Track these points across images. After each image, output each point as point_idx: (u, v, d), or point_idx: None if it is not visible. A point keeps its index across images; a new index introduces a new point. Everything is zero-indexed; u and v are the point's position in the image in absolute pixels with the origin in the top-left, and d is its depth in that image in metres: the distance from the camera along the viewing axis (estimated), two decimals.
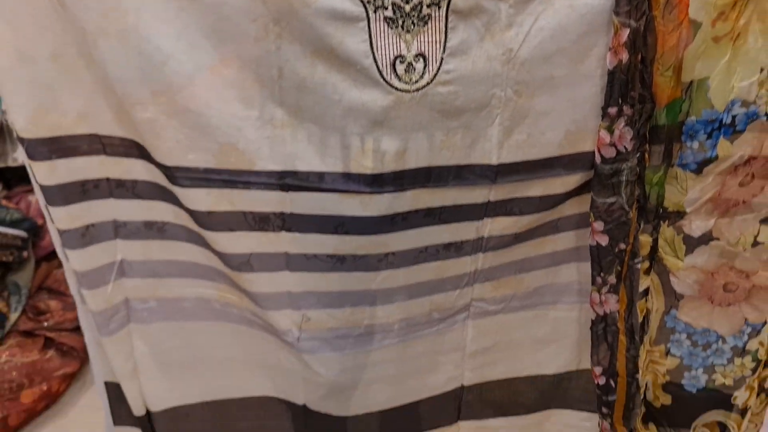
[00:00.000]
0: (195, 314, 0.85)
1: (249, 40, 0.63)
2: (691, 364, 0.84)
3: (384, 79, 0.65)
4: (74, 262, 0.76)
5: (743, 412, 0.85)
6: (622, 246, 0.79)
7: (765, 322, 0.78)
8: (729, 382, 0.83)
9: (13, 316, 1.46)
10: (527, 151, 0.74)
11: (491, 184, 0.75)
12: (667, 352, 0.84)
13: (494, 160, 0.73)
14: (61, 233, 0.74)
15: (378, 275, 0.79)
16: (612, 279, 0.81)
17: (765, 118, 0.69)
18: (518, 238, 0.82)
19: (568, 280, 0.90)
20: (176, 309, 0.85)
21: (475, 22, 0.66)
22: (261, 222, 0.74)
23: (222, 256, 0.76)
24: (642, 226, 0.78)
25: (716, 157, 0.72)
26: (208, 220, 0.74)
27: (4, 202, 1.53)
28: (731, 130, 0.70)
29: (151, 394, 0.89)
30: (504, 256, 0.84)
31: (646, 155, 0.73)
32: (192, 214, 0.74)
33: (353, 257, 0.76)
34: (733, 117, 0.70)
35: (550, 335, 0.95)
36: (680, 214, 0.76)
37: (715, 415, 0.86)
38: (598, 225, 0.78)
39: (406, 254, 0.78)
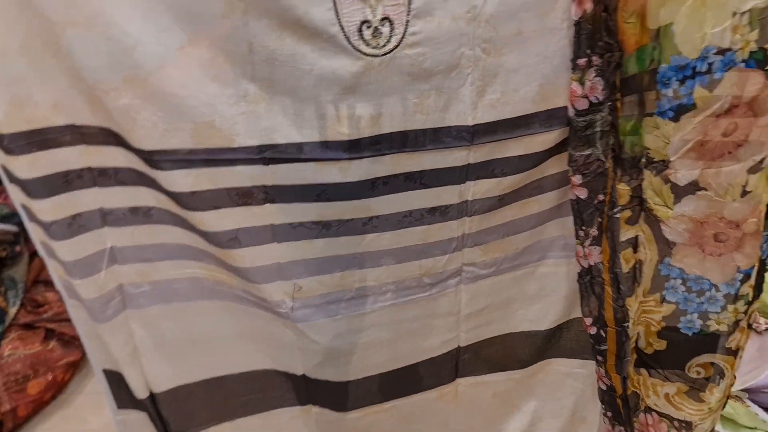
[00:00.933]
0: (188, 295, 0.86)
1: (216, 17, 0.64)
2: (686, 309, 0.84)
3: (352, 46, 0.66)
4: (62, 252, 0.77)
5: (735, 353, 0.87)
6: (601, 197, 0.80)
7: (753, 266, 0.79)
8: (723, 328, 0.84)
9: (12, 311, 1.48)
10: (502, 110, 0.74)
11: (469, 145, 0.76)
12: (663, 300, 0.85)
13: (470, 121, 0.74)
14: (47, 225, 0.75)
15: (363, 239, 0.80)
16: (594, 231, 0.82)
17: (743, 64, 0.69)
18: (503, 200, 0.83)
19: (554, 236, 0.91)
20: (170, 291, 0.86)
21: None
22: (245, 197, 0.75)
23: (209, 236, 0.77)
24: (619, 175, 0.78)
25: (693, 105, 0.71)
26: (192, 200, 0.74)
27: None
28: (708, 78, 0.70)
29: (152, 376, 0.91)
30: (490, 220, 0.85)
31: (618, 104, 0.74)
32: (175, 196, 0.75)
33: (338, 222, 0.77)
34: (709, 64, 0.69)
35: (540, 291, 0.96)
36: (665, 163, 0.76)
37: (708, 357, 0.88)
38: (577, 178, 0.79)
39: (390, 218, 0.79)
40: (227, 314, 0.87)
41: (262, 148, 0.71)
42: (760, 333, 1.37)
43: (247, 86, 0.68)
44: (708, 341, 0.86)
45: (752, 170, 0.73)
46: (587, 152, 0.77)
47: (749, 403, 1.26)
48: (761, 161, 0.72)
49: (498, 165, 0.78)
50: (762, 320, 1.38)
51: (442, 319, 0.92)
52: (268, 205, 0.75)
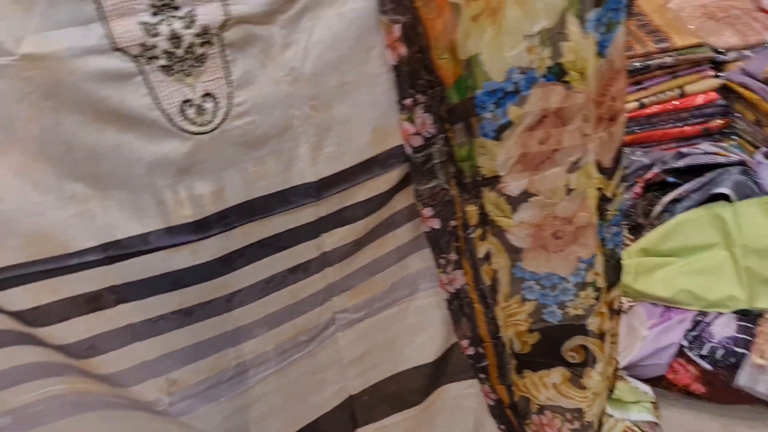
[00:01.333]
0: (53, 416, 0.79)
1: (22, 122, 0.60)
2: (546, 303, 0.91)
3: (177, 127, 0.64)
4: None
5: (601, 336, 0.93)
6: (453, 223, 0.83)
7: (594, 255, 0.86)
8: (580, 312, 0.90)
9: None
10: (341, 160, 0.75)
11: (317, 200, 0.76)
12: (523, 299, 0.90)
13: (313, 177, 0.75)
14: None
15: (231, 315, 0.78)
16: (453, 256, 0.85)
17: (544, 79, 0.75)
18: (360, 243, 0.84)
19: (419, 268, 0.93)
20: (31, 417, 0.78)
21: (251, 50, 0.66)
22: (93, 302, 0.70)
23: (62, 348, 0.72)
24: (465, 198, 0.82)
25: (510, 123, 0.77)
26: (36, 316, 0.69)
27: None
28: (517, 95, 0.76)
29: None
30: (352, 264, 0.85)
31: (450, 134, 0.77)
32: (17, 315, 0.69)
33: (199, 306, 0.75)
34: (515, 84, 0.75)
35: (419, 325, 0.98)
36: (497, 179, 0.81)
37: (579, 340, 0.93)
38: (427, 211, 0.82)
39: (253, 288, 0.78)
40: (102, 424, 0.81)
41: (103, 248, 0.67)
42: (625, 312, 1.47)
43: (74, 186, 0.64)
44: (572, 326, 0.92)
45: (571, 170, 0.79)
46: (432, 184, 0.80)
47: (629, 379, 1.35)
48: (577, 161, 0.79)
49: (349, 212, 0.79)
50: (625, 300, 1.48)
51: (326, 372, 0.91)
52: (121, 305, 0.71)
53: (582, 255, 0.85)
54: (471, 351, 0.93)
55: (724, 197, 1.50)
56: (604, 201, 0.85)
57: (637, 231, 1.60)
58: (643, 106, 1.79)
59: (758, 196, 1.51)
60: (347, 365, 0.93)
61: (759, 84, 1.77)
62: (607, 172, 0.83)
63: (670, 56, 1.79)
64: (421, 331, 0.98)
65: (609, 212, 0.86)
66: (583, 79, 0.75)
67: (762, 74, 1.77)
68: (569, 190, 0.81)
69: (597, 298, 0.88)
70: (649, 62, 1.78)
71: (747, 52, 1.91)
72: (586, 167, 0.80)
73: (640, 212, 1.61)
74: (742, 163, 1.60)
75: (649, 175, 1.64)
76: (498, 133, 0.78)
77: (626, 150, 1.74)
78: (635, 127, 1.81)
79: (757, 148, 1.78)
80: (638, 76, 1.79)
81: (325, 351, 0.89)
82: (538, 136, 0.78)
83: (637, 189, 1.65)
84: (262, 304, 0.80)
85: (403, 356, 0.98)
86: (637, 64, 1.77)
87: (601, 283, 0.87)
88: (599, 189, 0.84)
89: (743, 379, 0.59)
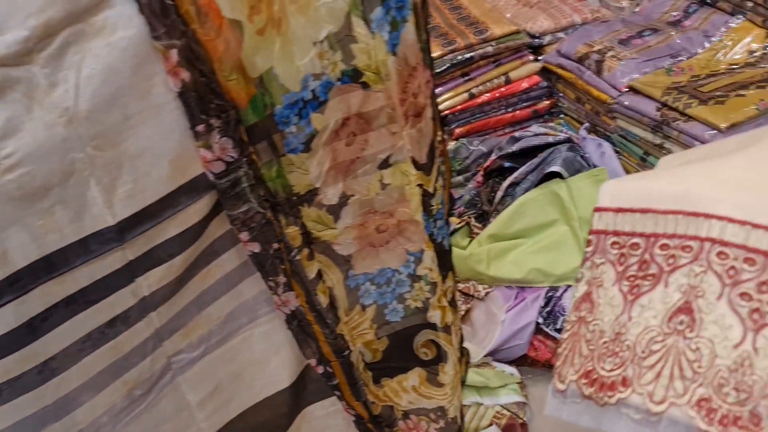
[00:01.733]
0: None
1: None
2: (385, 302, 0.90)
3: None
4: None
5: (447, 330, 0.94)
6: (276, 246, 0.80)
7: (422, 251, 0.86)
8: (419, 304, 0.91)
9: None
10: (141, 198, 0.70)
11: (121, 244, 0.71)
12: (363, 307, 0.89)
13: (111, 221, 0.69)
14: None
15: (47, 388, 0.71)
16: (282, 279, 0.83)
17: (340, 82, 0.75)
18: (182, 280, 0.79)
19: (254, 293, 0.89)
20: None
21: (13, 95, 0.60)
22: None
23: None
24: (284, 221, 0.80)
25: (315, 131, 0.76)
26: None
27: None
28: (316, 103, 0.75)
29: None
30: (178, 303, 0.80)
31: (254, 156, 0.75)
32: None
33: (6, 385, 0.67)
34: (313, 91, 0.74)
35: (267, 351, 0.94)
36: (314, 192, 0.80)
37: (427, 335, 0.94)
38: (245, 235, 0.79)
39: (67, 352, 0.71)
40: None
41: None
42: (483, 299, 1.51)
43: None
44: (417, 319, 0.92)
45: (382, 167, 0.80)
46: (244, 208, 0.77)
47: (495, 364, 1.38)
48: (387, 159, 0.80)
49: (161, 250, 0.74)
50: (480, 287, 1.52)
51: (174, 421, 0.85)
52: None
53: (409, 248, 0.86)
54: (320, 370, 0.91)
55: (558, 175, 1.57)
56: (426, 196, 0.85)
57: (484, 218, 1.65)
58: (473, 96, 1.86)
59: (587, 169, 1.60)
60: (196, 408, 0.88)
61: (574, 64, 1.88)
62: (424, 168, 0.84)
63: (491, 46, 1.86)
64: (273, 356, 0.94)
65: (433, 207, 0.87)
66: (380, 79, 0.75)
67: (575, 54, 1.88)
68: (384, 185, 0.81)
69: (432, 292, 0.88)
70: (473, 53, 1.84)
71: (561, 34, 2.03)
72: (401, 165, 0.81)
73: (485, 200, 1.66)
74: (569, 140, 1.69)
75: (487, 163, 1.69)
76: (306, 145, 0.76)
77: (464, 140, 1.80)
78: (469, 118, 1.87)
79: (582, 124, 1.89)
80: (464, 68, 1.86)
81: (166, 399, 0.83)
82: (344, 139, 0.77)
83: (479, 178, 1.70)
84: (82, 367, 0.73)
85: (255, 387, 0.94)
86: (461, 57, 1.83)
87: (434, 277, 0.88)
88: (420, 186, 0.84)
89: (551, 408, 0.60)
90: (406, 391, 0.96)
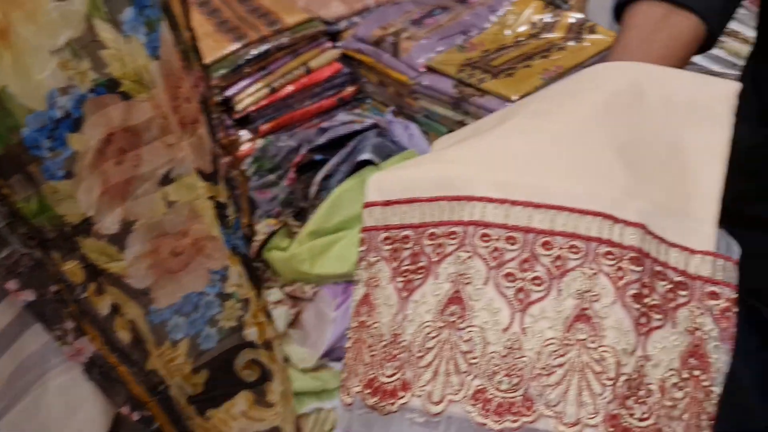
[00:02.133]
0: None
1: None
2: (198, 330, 0.83)
3: None
4: None
5: (268, 346, 0.88)
6: (54, 288, 0.69)
7: (226, 267, 0.79)
8: (233, 323, 0.84)
9: None
10: None
11: None
12: (174, 343, 0.81)
13: None
14: None
15: None
16: (69, 324, 0.72)
17: (93, 93, 0.65)
18: None
19: (41, 344, 0.77)
20: None
21: None
22: None
23: None
24: (58, 257, 0.69)
25: (76, 153, 0.66)
26: None
27: None
28: (70, 121, 0.65)
29: None
30: None
31: (6, 191, 0.64)
32: None
33: None
34: (63, 108, 0.64)
35: (69, 405, 0.82)
36: (88, 221, 0.70)
37: (247, 355, 0.88)
38: (13, 284, 0.67)
39: None
40: None
41: None
42: (311, 300, 1.45)
43: None
44: (233, 340, 0.86)
45: (164, 183, 0.72)
46: (5, 253, 0.66)
47: (331, 364, 1.33)
48: (168, 174, 0.72)
49: None
50: (307, 288, 1.47)
51: None
52: None
53: (211, 266, 0.79)
54: (136, 416, 0.81)
55: (371, 162, 1.55)
56: (220, 208, 0.78)
57: (302, 216, 1.59)
58: (273, 90, 1.78)
59: (398, 152, 1.59)
60: None
61: (371, 48, 1.87)
62: (211, 178, 0.77)
63: (285, 36, 1.80)
64: (76, 412, 0.83)
65: (229, 218, 0.80)
66: (142, 87, 0.66)
67: (371, 38, 1.87)
68: (170, 203, 0.73)
69: (244, 309, 0.82)
70: (268, 46, 1.77)
71: (356, 19, 2.02)
72: (185, 179, 0.73)
73: (300, 197, 1.61)
74: (375, 125, 1.67)
75: (297, 158, 1.63)
76: (67, 170, 0.66)
77: (271, 137, 1.73)
78: (274, 113, 1.79)
79: (388, 107, 1.90)
80: (261, 62, 1.78)
81: None
82: (114, 160, 0.68)
83: (291, 174, 1.64)
84: None
85: None
86: (255, 51, 1.75)
87: (245, 293, 0.81)
88: (212, 197, 0.77)
89: (342, 423, 0.57)
90: (234, 418, 0.89)
